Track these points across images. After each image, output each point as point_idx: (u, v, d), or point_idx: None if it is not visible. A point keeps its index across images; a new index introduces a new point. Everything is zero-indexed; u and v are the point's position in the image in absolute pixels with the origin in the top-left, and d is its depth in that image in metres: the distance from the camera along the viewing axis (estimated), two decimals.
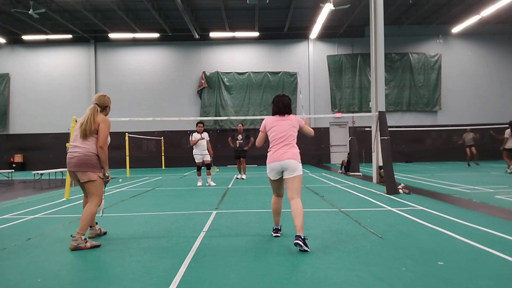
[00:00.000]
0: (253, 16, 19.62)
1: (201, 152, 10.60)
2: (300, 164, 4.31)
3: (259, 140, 4.65)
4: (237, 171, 13.88)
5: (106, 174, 4.49)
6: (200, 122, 10.83)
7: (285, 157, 4.24)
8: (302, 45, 22.01)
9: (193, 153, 10.74)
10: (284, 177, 4.32)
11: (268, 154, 4.40)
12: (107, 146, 4.51)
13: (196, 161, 10.73)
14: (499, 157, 20.97)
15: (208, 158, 10.68)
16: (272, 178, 4.45)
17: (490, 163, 18.77)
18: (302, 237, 3.92)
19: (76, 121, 8.08)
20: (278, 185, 4.51)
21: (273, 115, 4.56)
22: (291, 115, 4.50)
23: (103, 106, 4.61)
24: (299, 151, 4.38)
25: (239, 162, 12.65)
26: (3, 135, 21.76)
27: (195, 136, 10.63)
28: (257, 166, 19.35)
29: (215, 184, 10.82)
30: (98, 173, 4.41)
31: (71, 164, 4.38)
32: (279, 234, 4.66)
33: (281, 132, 4.36)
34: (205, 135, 10.72)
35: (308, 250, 3.92)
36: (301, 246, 3.89)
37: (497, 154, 21.05)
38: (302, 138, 4.67)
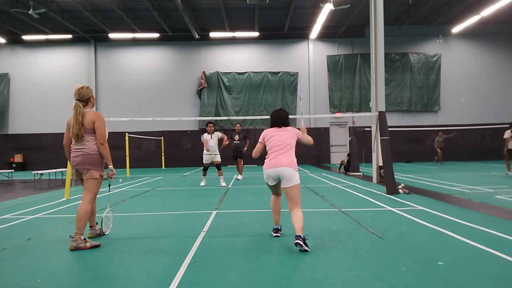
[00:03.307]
0: (253, 16, 19.62)
1: (211, 152, 10.51)
2: (297, 173, 4.31)
3: (256, 152, 4.64)
4: (236, 171, 13.83)
5: (110, 168, 4.46)
6: (210, 122, 10.67)
7: (281, 164, 4.26)
8: (302, 45, 22.01)
9: (203, 153, 10.64)
10: (282, 187, 4.34)
11: (265, 160, 4.44)
12: (107, 140, 4.50)
13: (204, 161, 10.65)
14: (498, 157, 21.02)
15: (218, 158, 10.59)
16: (269, 184, 4.50)
17: (490, 163, 18.77)
18: (302, 237, 3.93)
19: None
20: (276, 187, 4.55)
21: (271, 127, 4.64)
22: (288, 127, 4.58)
23: (85, 100, 4.44)
24: (296, 160, 4.40)
25: (236, 162, 12.60)
26: (3, 135, 21.76)
27: (206, 137, 10.54)
28: (257, 166, 19.35)
29: (225, 185, 10.70)
30: (100, 172, 4.43)
31: (75, 162, 4.38)
32: (279, 234, 4.66)
33: (279, 141, 4.41)
34: (216, 135, 10.63)
35: (308, 250, 3.92)
36: (301, 246, 3.89)
37: (496, 154, 21.11)
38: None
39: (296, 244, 3.92)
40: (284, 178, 4.25)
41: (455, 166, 17.18)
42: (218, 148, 10.80)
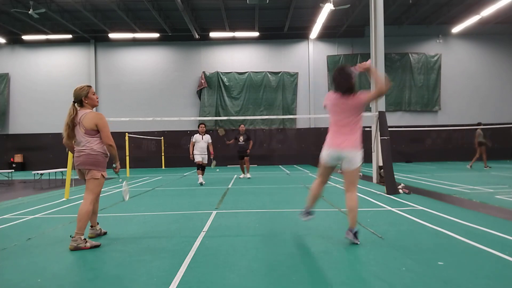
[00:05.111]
0: (253, 16, 19.62)
1: (201, 152, 10.74)
2: (360, 153, 4.06)
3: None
4: (240, 170, 13.90)
5: (114, 165, 4.54)
6: (202, 123, 10.89)
7: (345, 146, 3.99)
8: (302, 45, 22.01)
9: (193, 153, 10.84)
10: (342, 168, 4.13)
11: (327, 136, 4.16)
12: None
13: (196, 160, 10.84)
14: (498, 157, 21.04)
15: (205, 160, 10.86)
16: (326, 164, 4.20)
17: (490, 163, 18.72)
18: (353, 232, 4.10)
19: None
20: (328, 172, 4.31)
21: (334, 91, 4.14)
22: (353, 95, 3.99)
23: (79, 100, 4.40)
24: (360, 137, 4.07)
25: (242, 162, 12.77)
26: (3, 135, 21.76)
27: (196, 138, 10.74)
28: (257, 166, 19.35)
29: (204, 182, 10.89)
30: (102, 172, 4.41)
31: (78, 161, 4.39)
32: (312, 217, 4.61)
33: (342, 117, 4.01)
34: (207, 137, 10.81)
35: (358, 243, 4.11)
36: (351, 239, 4.11)
37: (496, 154, 21.11)
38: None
39: (347, 237, 4.16)
40: (346, 160, 4.04)
41: (455, 166, 17.18)
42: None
